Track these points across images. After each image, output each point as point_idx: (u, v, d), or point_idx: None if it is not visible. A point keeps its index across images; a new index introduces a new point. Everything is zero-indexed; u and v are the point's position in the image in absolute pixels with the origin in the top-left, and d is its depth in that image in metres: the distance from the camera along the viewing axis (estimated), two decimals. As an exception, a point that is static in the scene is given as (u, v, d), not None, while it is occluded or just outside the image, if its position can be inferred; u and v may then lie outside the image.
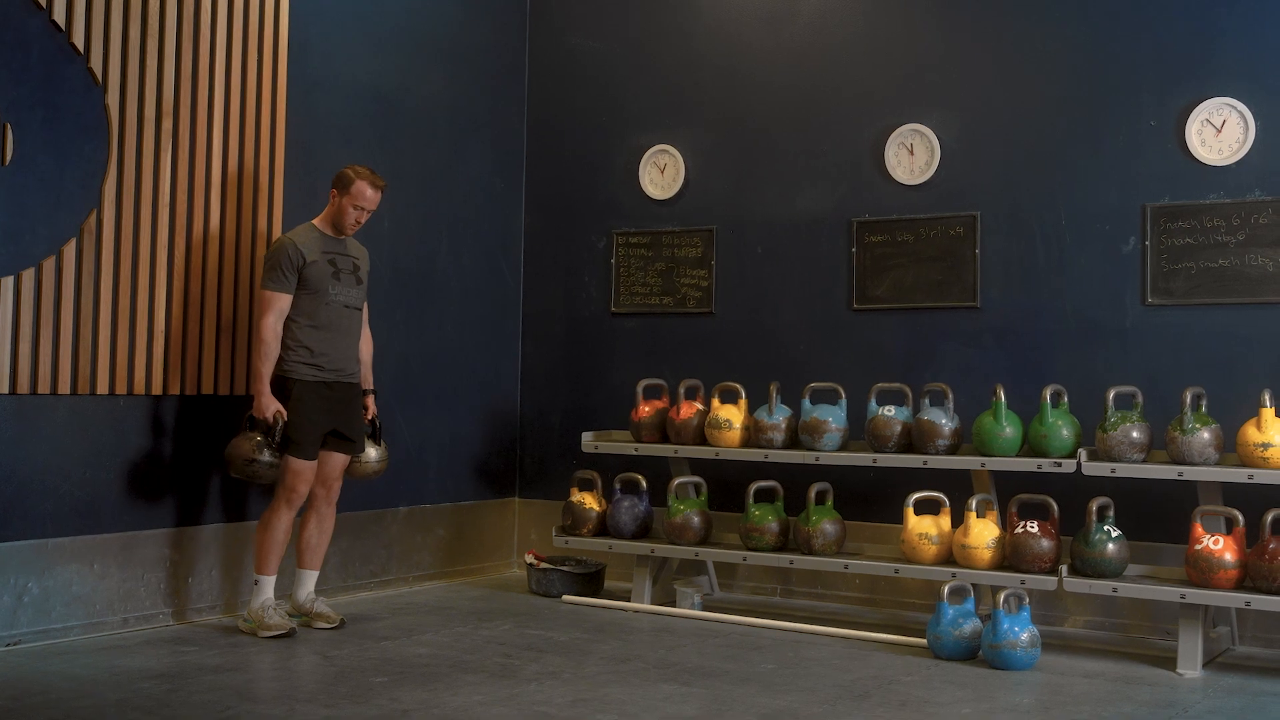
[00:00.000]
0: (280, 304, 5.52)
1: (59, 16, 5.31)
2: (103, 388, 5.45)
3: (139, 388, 5.58)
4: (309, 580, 5.78)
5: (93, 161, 5.45)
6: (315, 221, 5.73)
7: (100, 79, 5.45)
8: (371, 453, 5.95)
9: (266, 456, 5.47)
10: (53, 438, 5.33)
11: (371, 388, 5.96)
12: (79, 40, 5.37)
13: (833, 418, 6.02)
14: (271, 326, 5.50)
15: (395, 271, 6.85)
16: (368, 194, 5.65)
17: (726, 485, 6.60)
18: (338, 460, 5.76)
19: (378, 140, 6.77)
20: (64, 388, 5.32)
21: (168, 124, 5.68)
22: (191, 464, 5.84)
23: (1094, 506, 5.39)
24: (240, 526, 6.02)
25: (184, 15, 5.75)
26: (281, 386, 5.54)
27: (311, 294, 5.57)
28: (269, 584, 5.55)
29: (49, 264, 5.29)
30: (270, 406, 5.49)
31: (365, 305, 5.88)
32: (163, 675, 4.77)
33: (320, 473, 5.68)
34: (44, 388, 5.25)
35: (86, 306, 5.39)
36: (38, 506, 5.27)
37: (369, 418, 5.92)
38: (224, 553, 5.94)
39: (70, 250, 5.36)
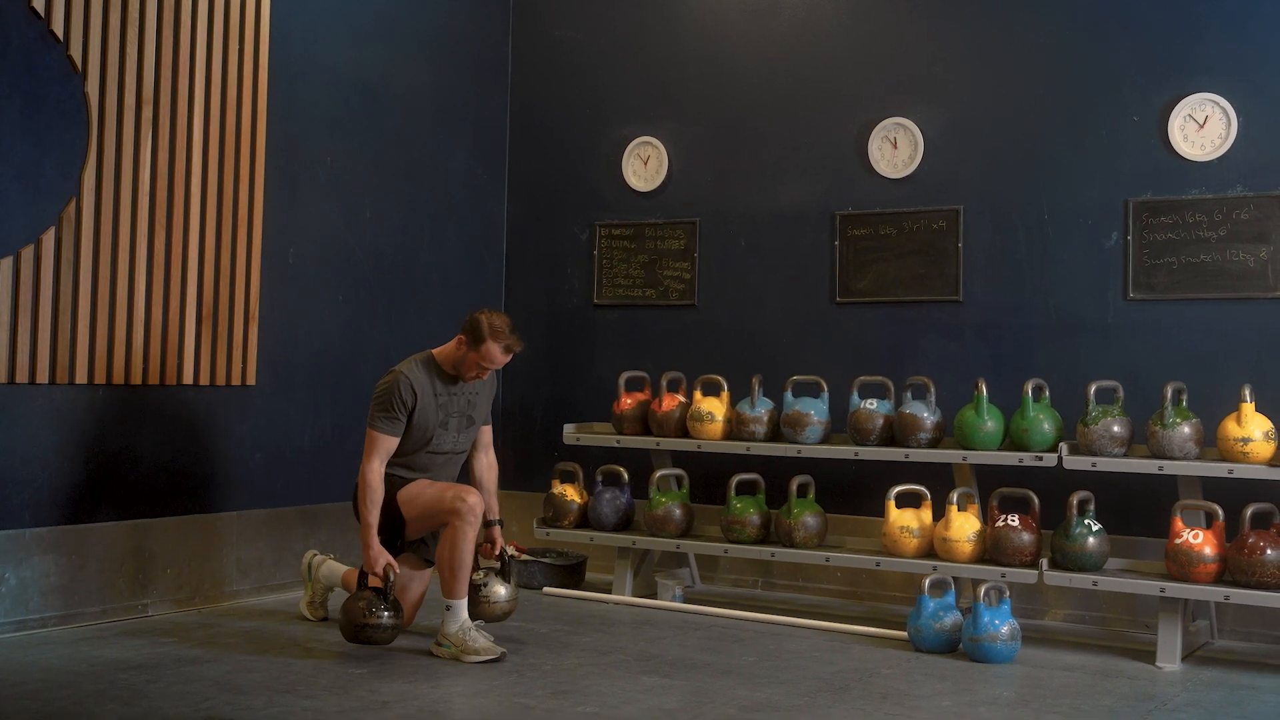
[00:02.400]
0: (387, 446, 5.09)
1: (38, 4, 5.27)
2: (81, 377, 5.42)
3: (118, 377, 5.55)
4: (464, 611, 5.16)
5: (72, 150, 5.41)
6: (435, 353, 5.26)
7: (79, 67, 5.41)
8: (500, 590, 5.29)
9: (385, 617, 4.92)
10: (31, 427, 5.30)
11: (498, 518, 5.45)
12: (58, 28, 5.33)
13: (815, 411, 6.02)
14: (377, 470, 5.06)
15: (377, 262, 6.83)
16: (496, 359, 5.15)
17: (708, 478, 6.60)
18: (415, 579, 5.34)
19: (360, 130, 6.74)
20: (42, 377, 5.28)
21: (148, 112, 5.65)
22: (171, 454, 5.81)
23: (1075, 500, 5.40)
24: (219, 518, 5.99)
25: (164, 3, 5.71)
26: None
27: (413, 438, 5.16)
28: (462, 606, 5.06)
29: (27, 253, 5.25)
30: (380, 559, 5.00)
31: (488, 428, 5.47)
32: (141, 666, 4.75)
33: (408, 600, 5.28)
34: (22, 377, 5.22)
35: (65, 295, 5.36)
36: (15, 496, 5.23)
37: (495, 552, 5.37)
38: (203, 544, 5.91)
39: (49, 239, 5.32)
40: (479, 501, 5.09)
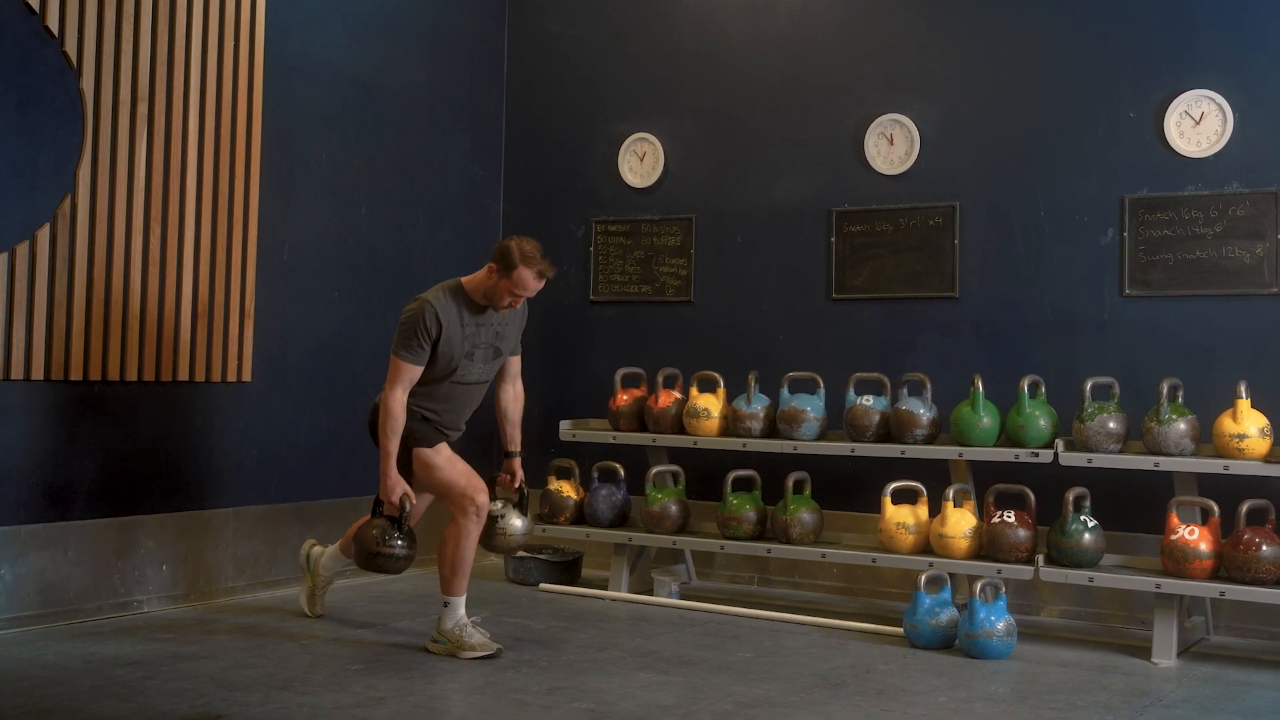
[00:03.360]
0: (411, 374, 4.96)
1: (33, 0, 5.27)
2: (76, 373, 5.41)
3: (113, 373, 5.54)
4: (461, 607, 5.12)
5: (67, 146, 5.40)
6: (464, 281, 5.11)
7: (75, 62, 5.40)
8: (516, 522, 5.27)
9: (397, 548, 4.90)
10: (26, 423, 5.29)
11: (519, 450, 5.38)
12: (53, 23, 5.32)
13: (811, 407, 6.03)
14: (400, 399, 4.94)
15: (372, 258, 6.82)
16: (529, 284, 4.97)
17: (704, 474, 6.60)
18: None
19: (355, 126, 6.73)
20: (37, 373, 5.27)
21: (143, 108, 5.64)
22: (167, 451, 5.80)
23: (1070, 496, 5.41)
24: (215, 514, 5.99)
25: (160, -2, 5.71)
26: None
27: (438, 367, 5.02)
28: (459, 604, 5.03)
29: (22, 249, 5.24)
30: (397, 488, 4.94)
31: (517, 358, 5.34)
32: (137, 662, 4.75)
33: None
34: (17, 373, 5.21)
35: (61, 292, 5.35)
36: (11, 492, 5.23)
37: (515, 485, 5.34)
38: (199, 540, 5.90)
39: (44, 235, 5.31)
40: (486, 502, 5.07)
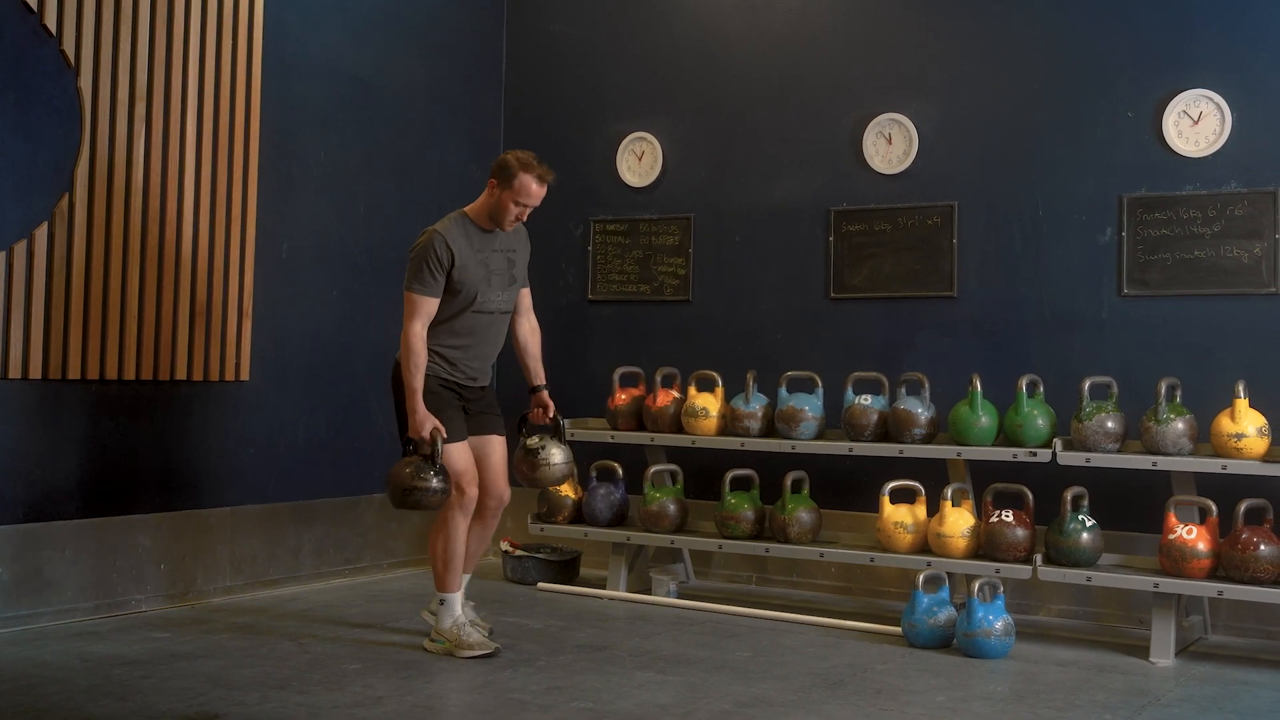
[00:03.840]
0: (428, 308, 4.90)
1: (31, -2, 5.27)
2: (74, 373, 5.40)
3: (111, 373, 5.53)
4: (459, 604, 5.07)
5: (65, 145, 5.40)
6: (467, 210, 5.05)
7: (73, 61, 5.40)
8: (557, 453, 5.24)
9: (433, 482, 4.79)
10: (24, 423, 5.29)
11: (544, 383, 5.30)
12: (51, 22, 5.32)
13: (809, 406, 6.02)
14: (419, 334, 4.88)
15: (371, 257, 6.82)
16: (532, 189, 4.91)
17: (702, 473, 6.60)
18: (495, 450, 5.12)
19: (354, 125, 6.73)
20: (35, 372, 5.27)
21: (141, 108, 5.63)
22: (164, 450, 5.80)
23: (1069, 496, 5.41)
24: (212, 513, 5.98)
25: (158, -3, 5.70)
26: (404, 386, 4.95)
27: (457, 299, 4.95)
28: (456, 600, 5.00)
29: (20, 248, 5.24)
30: (427, 423, 4.84)
31: (527, 291, 5.24)
32: (135, 662, 4.74)
33: (485, 477, 5.07)
34: (14, 372, 5.21)
35: (58, 291, 5.35)
36: (8, 492, 5.22)
37: (549, 416, 5.28)
38: (196, 539, 5.90)
39: (41, 234, 5.30)
40: (476, 495, 5.02)
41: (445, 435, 4.85)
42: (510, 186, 4.91)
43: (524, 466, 5.22)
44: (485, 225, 5.01)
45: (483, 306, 5.00)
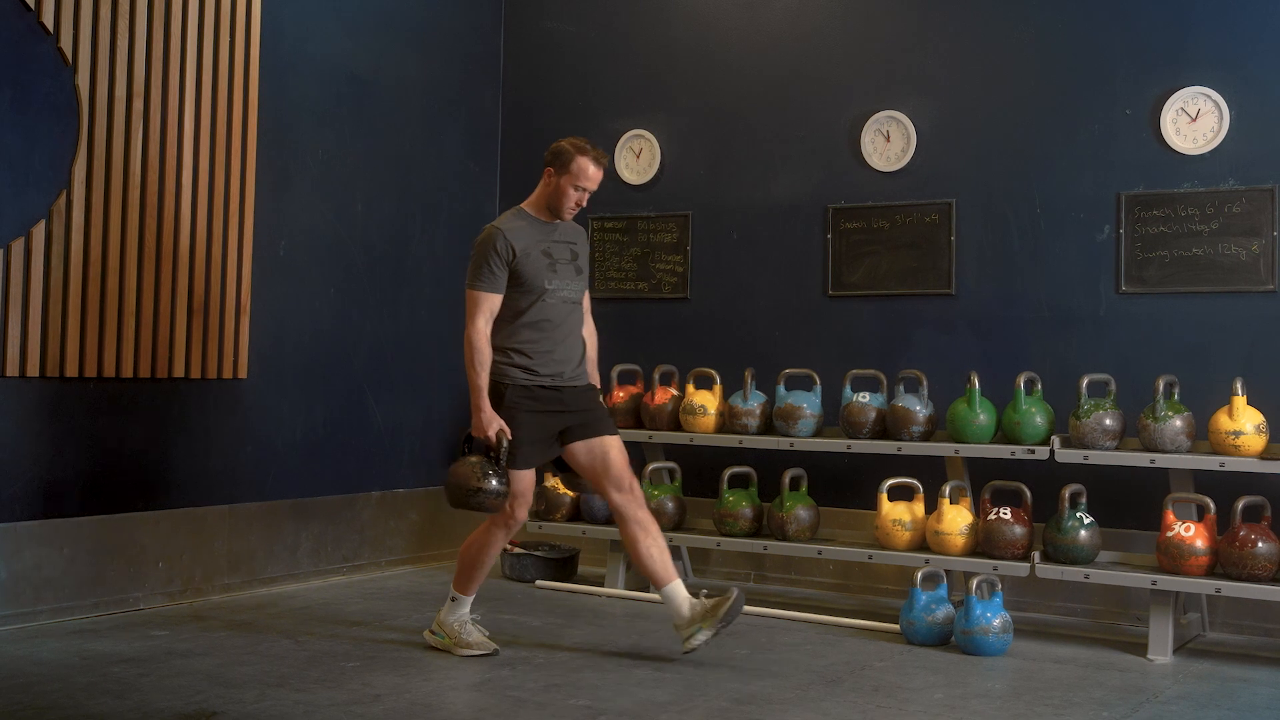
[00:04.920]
0: (491, 304, 4.79)
1: (28, -5, 5.26)
2: (72, 371, 5.40)
3: (109, 371, 5.53)
4: (680, 592, 4.90)
5: (62, 142, 5.39)
6: (524, 205, 4.99)
7: (70, 59, 5.39)
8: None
9: (494, 483, 4.70)
10: (22, 420, 5.28)
11: (599, 386, 5.18)
12: (48, 20, 5.31)
13: (807, 404, 6.03)
14: (483, 331, 4.78)
15: (368, 255, 6.82)
16: (590, 172, 4.85)
17: (701, 471, 6.60)
18: (610, 447, 4.95)
19: (351, 122, 6.72)
20: (33, 370, 5.27)
21: (138, 105, 5.63)
22: (162, 448, 5.80)
23: (1066, 493, 5.41)
24: (210, 511, 5.98)
25: (155, -6, 5.70)
26: (493, 394, 4.83)
27: (526, 291, 4.84)
28: (466, 603, 5.02)
29: (17, 246, 5.23)
30: (493, 424, 4.75)
31: (587, 294, 5.15)
32: (133, 659, 4.74)
33: (605, 473, 4.94)
34: (12, 370, 5.20)
35: (56, 289, 5.34)
36: (6, 489, 5.22)
37: None
38: (194, 537, 5.90)
39: (39, 232, 5.30)
40: (525, 517, 4.95)
41: (509, 436, 4.76)
42: (568, 171, 4.86)
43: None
44: (544, 216, 4.96)
45: (553, 294, 4.89)
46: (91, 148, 5.47)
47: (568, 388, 4.94)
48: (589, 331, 5.16)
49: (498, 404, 4.82)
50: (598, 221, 7.30)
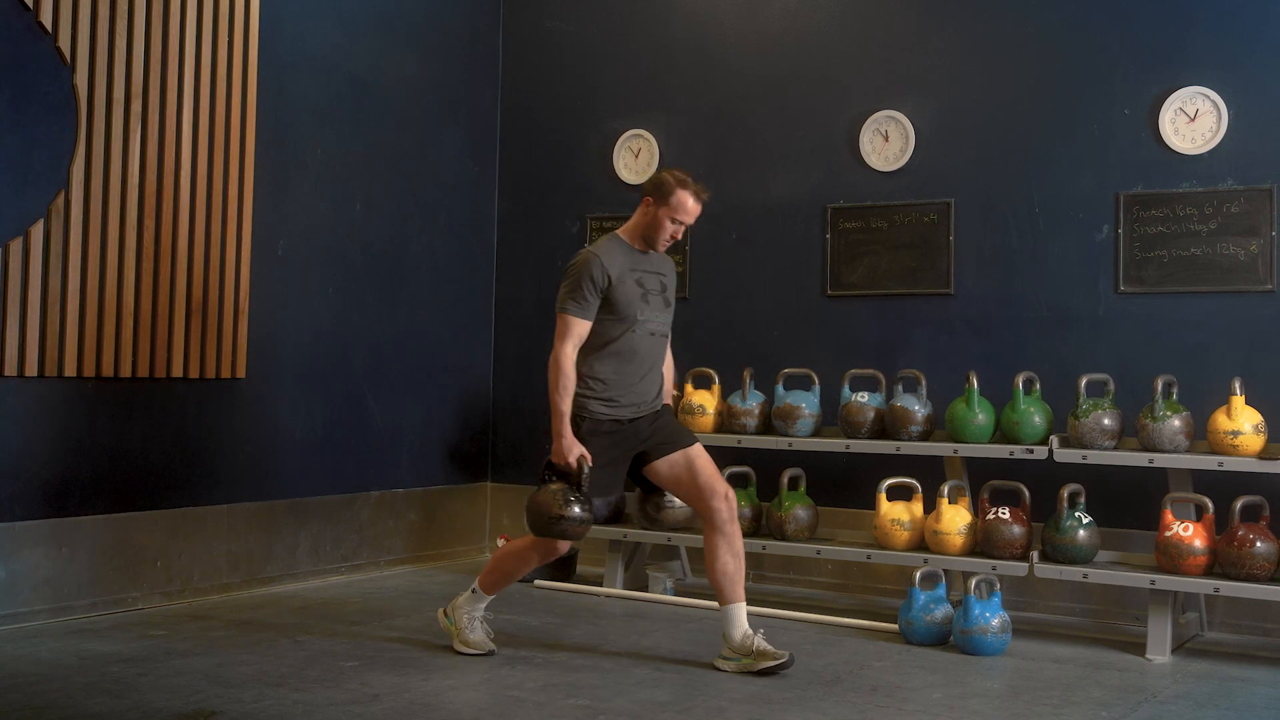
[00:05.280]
0: (581, 330, 4.72)
1: (27, -6, 5.26)
2: (70, 370, 5.40)
3: (107, 370, 5.53)
4: (740, 615, 4.84)
5: (60, 142, 5.39)
6: (620, 233, 4.91)
7: (69, 59, 5.39)
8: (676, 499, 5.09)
9: (576, 511, 4.60)
10: (20, 420, 5.28)
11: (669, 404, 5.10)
12: (47, 19, 5.31)
13: (806, 404, 6.03)
14: (570, 356, 4.69)
15: (367, 254, 6.82)
16: (689, 206, 4.80)
17: (699, 471, 6.59)
18: (693, 456, 4.86)
19: (350, 122, 6.72)
20: (31, 370, 5.27)
21: (137, 105, 5.63)
22: (161, 447, 5.80)
23: (1065, 493, 5.41)
24: (209, 510, 5.98)
25: (154, -6, 5.70)
26: (570, 422, 4.75)
27: (616, 320, 4.77)
28: (484, 601, 5.00)
29: (16, 245, 5.23)
30: (574, 450, 4.66)
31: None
32: (131, 659, 4.74)
33: (695, 483, 4.84)
34: (11, 370, 5.20)
35: (54, 288, 5.34)
36: (5, 489, 5.22)
37: None
38: (193, 537, 5.90)
39: (38, 231, 5.30)
40: (562, 552, 4.90)
41: (590, 462, 4.68)
42: (667, 203, 4.80)
43: (652, 506, 5.06)
44: (639, 246, 4.88)
45: (643, 326, 4.83)
46: (90, 147, 5.47)
47: (643, 418, 4.88)
48: (667, 364, 5.10)
49: (574, 433, 4.74)
50: (596, 221, 7.30)
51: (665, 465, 4.88)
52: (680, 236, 4.92)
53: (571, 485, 4.64)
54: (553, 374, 4.70)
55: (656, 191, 4.83)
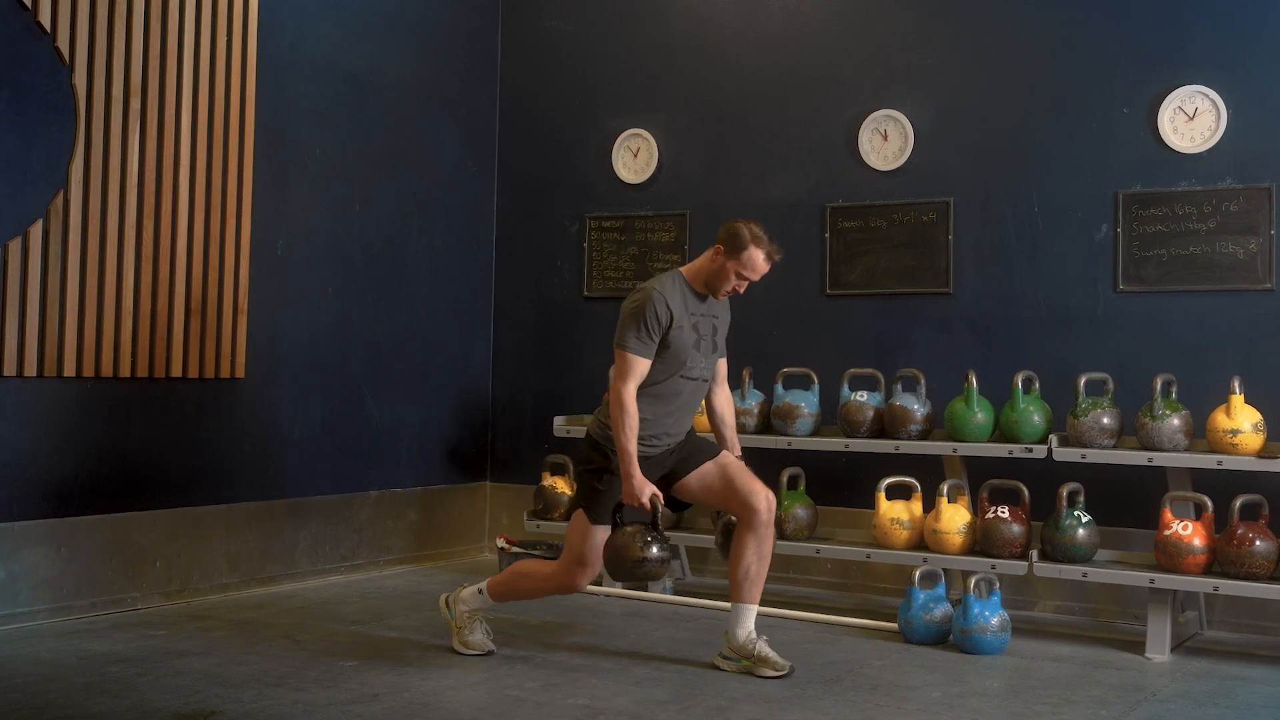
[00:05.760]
0: (640, 369, 4.61)
1: (25, -6, 5.25)
2: (70, 370, 5.40)
3: (106, 370, 5.53)
4: (749, 617, 4.80)
5: (59, 142, 5.39)
6: (684, 271, 4.81)
7: (67, 58, 5.39)
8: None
9: (655, 551, 4.51)
10: (19, 420, 5.28)
11: (740, 455, 5.01)
12: (45, 19, 5.31)
13: (805, 403, 6.03)
14: (633, 394, 4.59)
15: (366, 254, 6.81)
16: (759, 265, 4.70)
17: (699, 470, 6.59)
18: (723, 464, 4.83)
19: (349, 121, 6.72)
20: (30, 370, 5.26)
21: (136, 104, 5.62)
22: (160, 447, 5.79)
23: (1064, 492, 5.41)
24: (208, 510, 5.98)
25: (153, -6, 5.69)
26: (599, 453, 4.74)
27: (667, 363, 4.70)
28: (489, 605, 4.97)
29: (15, 245, 5.23)
30: (645, 490, 4.54)
31: (724, 360, 5.02)
32: (130, 659, 4.74)
33: (732, 490, 4.77)
34: (10, 370, 5.20)
35: (53, 288, 5.34)
36: (4, 489, 5.22)
37: None
38: (192, 537, 5.90)
39: (36, 231, 5.30)
40: (582, 588, 4.85)
41: (662, 499, 4.61)
42: (737, 258, 4.69)
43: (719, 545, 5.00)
44: (699, 289, 4.79)
45: (689, 372, 4.76)
46: (89, 147, 5.47)
47: (666, 449, 4.84)
48: (726, 398, 5.06)
49: (605, 464, 4.70)
50: (595, 220, 7.30)
51: (695, 479, 4.84)
52: (743, 290, 4.82)
53: (647, 525, 4.56)
54: (616, 414, 4.59)
55: (729, 242, 4.70)
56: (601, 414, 4.83)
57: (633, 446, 4.57)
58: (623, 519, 4.61)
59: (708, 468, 4.84)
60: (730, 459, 4.89)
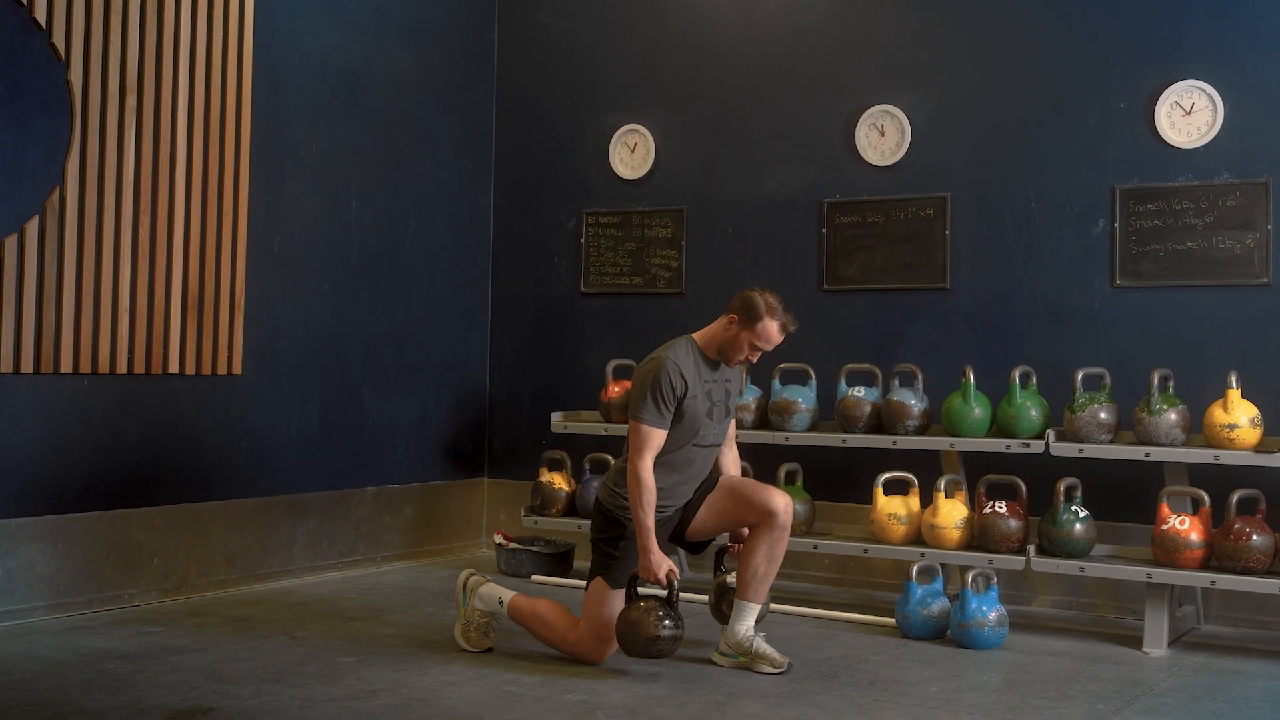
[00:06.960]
0: (657, 440, 4.58)
1: (21, -10, 5.25)
2: (66, 366, 5.39)
3: (103, 366, 5.52)
4: (750, 615, 4.77)
5: (55, 138, 5.38)
6: (696, 338, 4.80)
7: (62, 54, 5.38)
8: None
9: (668, 627, 4.51)
10: (15, 417, 5.27)
11: None
12: (40, 15, 5.30)
13: (802, 398, 6.03)
14: (650, 467, 4.55)
15: (363, 251, 6.81)
16: (773, 337, 4.67)
17: (696, 466, 6.59)
18: (728, 482, 4.87)
19: (345, 118, 6.72)
20: (26, 366, 5.26)
21: (131, 100, 5.62)
22: (157, 444, 5.79)
23: (1062, 487, 5.42)
24: (205, 507, 5.98)
25: (149, -10, 5.69)
26: (612, 521, 4.73)
27: (679, 432, 4.67)
28: (498, 610, 4.90)
29: (11, 241, 5.22)
30: (662, 566, 4.52)
31: (734, 421, 5.02)
32: (128, 656, 4.74)
33: (748, 504, 4.75)
34: (6, 366, 5.19)
35: (49, 284, 5.33)
36: (1, 486, 5.21)
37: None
38: (189, 533, 5.89)
39: (32, 228, 5.29)
40: (602, 660, 4.76)
41: (679, 575, 4.60)
42: (752, 328, 4.66)
43: (718, 600, 4.99)
44: (712, 355, 4.77)
45: (702, 440, 4.74)
46: (85, 143, 5.46)
47: (680, 507, 4.84)
48: (734, 459, 5.07)
49: (620, 534, 4.68)
50: (592, 216, 7.30)
51: (703, 513, 4.84)
52: (755, 360, 4.81)
53: (662, 602, 4.55)
54: (633, 489, 4.56)
55: (744, 313, 4.67)
56: (612, 481, 4.80)
57: (650, 521, 4.55)
58: (638, 591, 4.61)
59: (713, 497, 4.84)
60: (731, 477, 4.91)
